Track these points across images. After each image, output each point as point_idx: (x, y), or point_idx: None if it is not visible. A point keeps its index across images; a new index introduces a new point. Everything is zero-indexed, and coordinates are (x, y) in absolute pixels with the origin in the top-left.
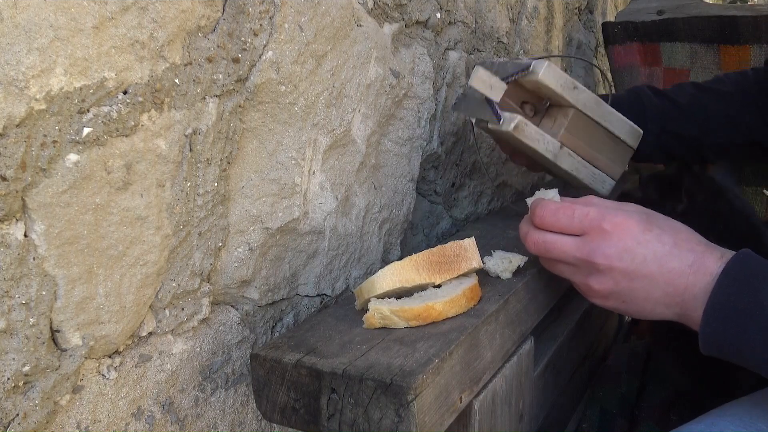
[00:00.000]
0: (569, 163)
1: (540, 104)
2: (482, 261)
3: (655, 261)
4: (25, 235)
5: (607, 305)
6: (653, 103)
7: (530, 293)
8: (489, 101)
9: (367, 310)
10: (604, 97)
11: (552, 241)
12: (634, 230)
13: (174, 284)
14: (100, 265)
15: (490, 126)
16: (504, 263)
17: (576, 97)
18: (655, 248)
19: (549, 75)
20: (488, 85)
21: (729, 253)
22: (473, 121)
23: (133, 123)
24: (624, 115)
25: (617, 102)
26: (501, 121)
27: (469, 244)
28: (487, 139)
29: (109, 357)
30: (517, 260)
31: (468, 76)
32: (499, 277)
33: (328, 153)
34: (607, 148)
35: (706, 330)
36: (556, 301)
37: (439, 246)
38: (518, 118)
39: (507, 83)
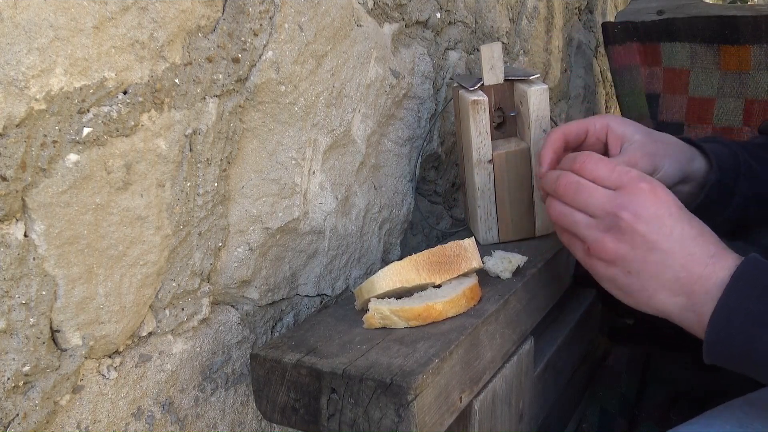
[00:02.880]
0: (481, 182)
1: (509, 111)
2: (482, 261)
3: (680, 240)
4: (25, 235)
5: (608, 275)
6: (748, 163)
7: (530, 293)
8: (479, 78)
9: (367, 310)
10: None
11: (585, 185)
12: (670, 202)
13: (174, 284)
14: (100, 265)
15: (460, 92)
16: (504, 263)
17: (537, 138)
18: (683, 227)
19: (536, 98)
20: (490, 62)
21: (741, 258)
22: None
23: (133, 123)
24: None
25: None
26: (471, 88)
27: (469, 244)
28: None
29: (109, 357)
30: (517, 260)
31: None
32: (498, 277)
33: (328, 153)
34: (519, 209)
35: (713, 330)
36: (556, 301)
37: (439, 246)
38: (485, 98)
39: (505, 79)
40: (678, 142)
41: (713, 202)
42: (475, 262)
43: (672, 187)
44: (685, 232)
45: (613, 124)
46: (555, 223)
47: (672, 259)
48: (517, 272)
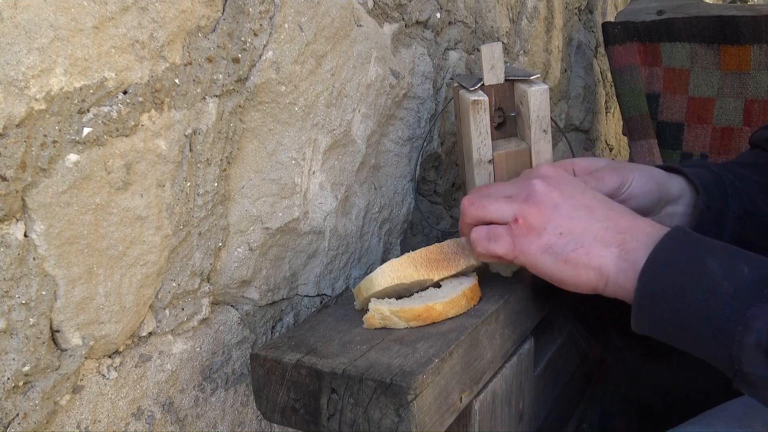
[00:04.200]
0: (481, 182)
1: (509, 111)
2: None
3: (595, 197)
4: (25, 235)
5: (542, 243)
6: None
7: (530, 293)
8: (479, 78)
9: (367, 310)
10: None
11: (487, 189)
12: (572, 181)
13: (174, 284)
14: (100, 265)
15: (461, 92)
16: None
17: (537, 138)
18: (594, 192)
19: (536, 99)
20: (490, 62)
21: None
22: (454, 85)
23: (133, 123)
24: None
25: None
26: (471, 88)
27: (467, 241)
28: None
29: (109, 357)
30: None
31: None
32: (499, 274)
33: (328, 153)
34: None
35: (643, 282)
36: None
37: (436, 244)
38: (485, 98)
39: (505, 79)
40: (650, 166)
41: (708, 227)
42: (473, 259)
43: (656, 207)
44: (597, 195)
45: (578, 161)
46: (472, 240)
47: (595, 212)
48: (518, 272)
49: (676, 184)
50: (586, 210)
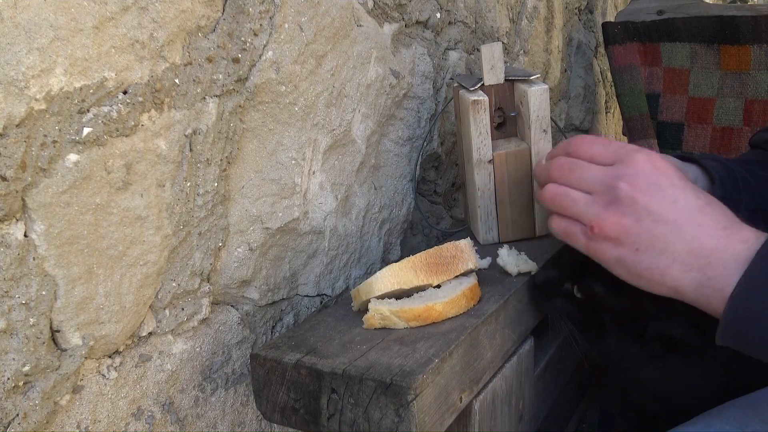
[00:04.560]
0: (482, 182)
1: (509, 111)
2: (497, 251)
3: (686, 208)
4: (25, 235)
5: (614, 255)
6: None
7: (530, 293)
8: (479, 78)
9: (366, 311)
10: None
11: (579, 163)
12: (671, 173)
13: (174, 284)
14: (100, 265)
15: (461, 92)
16: (518, 261)
17: (537, 138)
18: (688, 197)
19: (536, 99)
20: (490, 62)
21: (759, 231)
22: (454, 85)
23: (133, 123)
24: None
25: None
26: (471, 88)
27: (465, 244)
28: None
29: (109, 357)
30: (530, 266)
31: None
32: (504, 269)
33: (328, 153)
34: (519, 209)
35: (734, 306)
36: None
37: (435, 247)
38: (485, 98)
39: (505, 79)
40: (665, 154)
41: None
42: (471, 263)
43: None
44: (690, 203)
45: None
46: (550, 210)
47: (681, 231)
48: (522, 272)
49: (691, 172)
50: (670, 226)
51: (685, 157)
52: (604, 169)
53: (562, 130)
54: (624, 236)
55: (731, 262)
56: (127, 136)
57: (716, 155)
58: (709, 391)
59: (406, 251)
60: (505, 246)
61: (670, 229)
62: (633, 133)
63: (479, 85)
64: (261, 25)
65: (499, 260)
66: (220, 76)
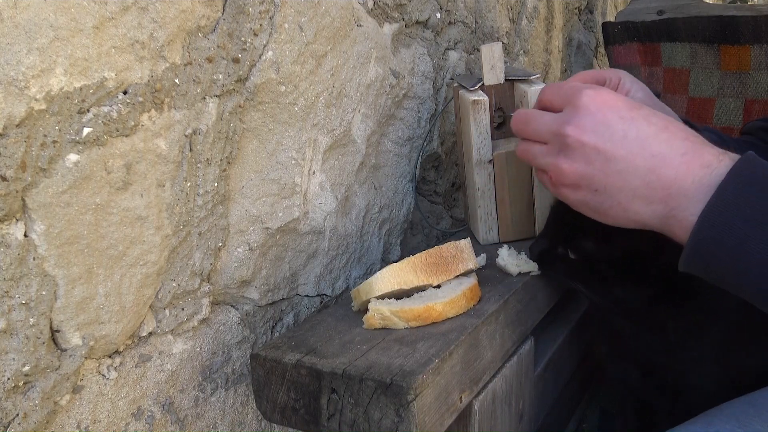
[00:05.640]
0: (482, 182)
1: (509, 111)
2: (497, 251)
3: (637, 141)
4: (25, 235)
5: (577, 198)
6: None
7: (530, 293)
8: (479, 78)
9: (366, 311)
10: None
11: (533, 114)
12: (619, 105)
13: (174, 284)
14: (100, 265)
15: (461, 92)
16: (518, 261)
17: None
18: (639, 126)
19: (536, 98)
20: (490, 62)
21: (730, 154)
22: (454, 85)
23: (133, 123)
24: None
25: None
26: (471, 88)
27: (465, 245)
28: None
29: (109, 357)
30: (530, 267)
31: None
32: (504, 269)
33: (328, 153)
34: (519, 209)
35: (699, 234)
36: (556, 301)
37: (435, 247)
38: (485, 98)
39: (505, 79)
40: (675, 117)
41: None
42: (471, 263)
43: None
44: (642, 132)
45: (625, 78)
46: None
47: (635, 165)
48: (522, 273)
49: None
50: (622, 162)
51: (684, 121)
52: (554, 117)
53: None
54: (580, 180)
55: (692, 191)
56: (127, 136)
57: (709, 127)
58: (716, 340)
59: (406, 251)
60: (505, 246)
61: (624, 166)
62: None
63: (479, 85)
64: (261, 25)
65: (499, 260)
66: (220, 76)
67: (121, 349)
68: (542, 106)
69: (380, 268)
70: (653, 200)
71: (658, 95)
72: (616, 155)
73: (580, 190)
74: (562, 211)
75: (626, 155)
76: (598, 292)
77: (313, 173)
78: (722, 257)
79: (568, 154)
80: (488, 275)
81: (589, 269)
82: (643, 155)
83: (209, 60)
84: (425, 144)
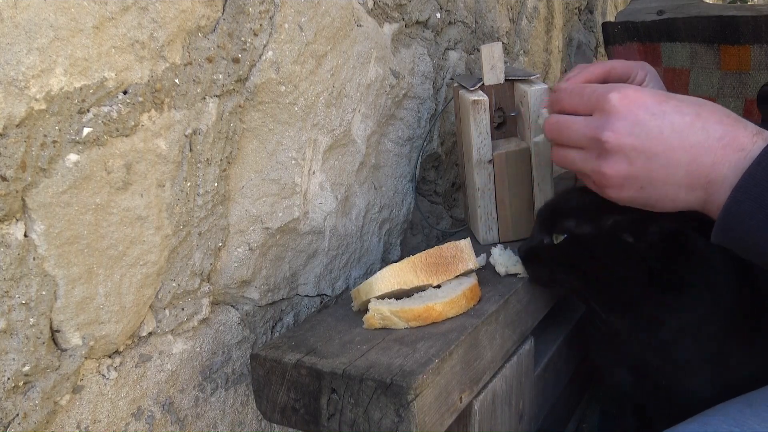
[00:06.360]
0: (482, 182)
1: (509, 111)
2: (491, 250)
3: (674, 134)
4: (25, 235)
5: (624, 197)
6: None
7: (530, 293)
8: (479, 78)
9: (366, 311)
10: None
11: (563, 121)
12: (647, 101)
13: (174, 284)
14: (100, 265)
15: (461, 92)
16: (511, 261)
17: (537, 137)
18: (673, 120)
19: (536, 99)
20: (490, 62)
21: (764, 133)
22: (454, 85)
23: (133, 123)
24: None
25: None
26: (471, 88)
27: (465, 245)
28: None
29: (109, 357)
30: (519, 269)
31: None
32: (494, 269)
33: (328, 153)
34: (519, 209)
35: (730, 209)
36: (556, 301)
37: (435, 247)
38: (485, 98)
39: (505, 79)
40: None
41: None
42: (471, 263)
43: None
44: (676, 124)
45: (651, 75)
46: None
47: (676, 158)
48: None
49: None
50: (665, 159)
51: None
52: (586, 122)
53: None
54: (624, 181)
55: (730, 174)
56: (127, 136)
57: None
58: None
59: (406, 251)
60: (499, 246)
61: (665, 161)
62: None
63: (479, 85)
64: (261, 25)
65: (491, 259)
66: (220, 76)
67: (121, 349)
68: (563, 110)
69: (380, 268)
70: (696, 187)
71: None
72: (656, 152)
73: (626, 189)
74: (544, 211)
75: (665, 150)
76: (581, 278)
77: (313, 173)
78: (752, 229)
79: (608, 158)
80: (488, 275)
81: (572, 252)
82: (683, 147)
83: (209, 60)
84: (425, 144)
